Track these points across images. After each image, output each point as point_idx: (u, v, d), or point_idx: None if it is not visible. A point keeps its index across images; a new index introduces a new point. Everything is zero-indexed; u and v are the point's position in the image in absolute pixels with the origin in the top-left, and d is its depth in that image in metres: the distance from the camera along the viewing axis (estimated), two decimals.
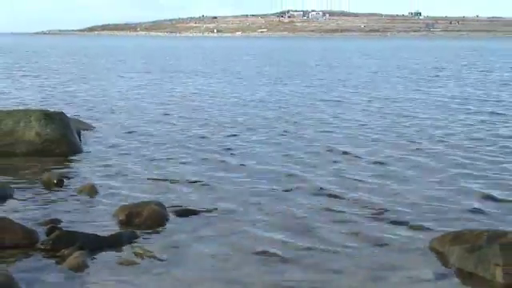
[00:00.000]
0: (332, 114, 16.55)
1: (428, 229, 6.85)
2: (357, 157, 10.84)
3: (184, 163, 10.26)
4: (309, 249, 6.27)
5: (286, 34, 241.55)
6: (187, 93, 22.59)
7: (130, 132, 13.39)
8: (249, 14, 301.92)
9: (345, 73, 34.27)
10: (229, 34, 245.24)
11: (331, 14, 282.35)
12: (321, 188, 8.62)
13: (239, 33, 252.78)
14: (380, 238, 6.60)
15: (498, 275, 5.39)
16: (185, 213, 7.38)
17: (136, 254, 6.04)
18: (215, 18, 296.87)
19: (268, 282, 5.47)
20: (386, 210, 7.60)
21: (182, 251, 6.19)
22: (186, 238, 6.54)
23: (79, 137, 11.54)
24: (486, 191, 8.46)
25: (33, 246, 6.12)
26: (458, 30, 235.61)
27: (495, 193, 8.40)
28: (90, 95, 21.14)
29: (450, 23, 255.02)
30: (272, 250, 6.20)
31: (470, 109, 17.83)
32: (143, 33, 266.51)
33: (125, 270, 5.68)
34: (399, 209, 7.66)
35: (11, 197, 7.95)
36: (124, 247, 6.21)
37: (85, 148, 11.23)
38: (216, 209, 7.59)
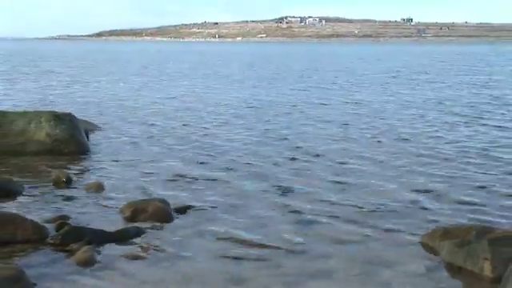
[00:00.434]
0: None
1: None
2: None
3: (186, 162, 10.24)
4: (303, 243, 6.26)
5: (285, 39, 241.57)
6: (188, 93, 22.61)
7: (134, 132, 13.37)
8: (249, 20, 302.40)
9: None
10: (230, 39, 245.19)
11: (327, 20, 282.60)
12: (315, 188, 8.60)
13: (239, 38, 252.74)
14: (373, 234, 6.59)
15: (487, 269, 5.39)
16: (187, 209, 7.37)
17: (141, 248, 6.04)
18: (216, 23, 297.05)
19: (266, 274, 5.46)
20: (378, 208, 7.59)
21: (184, 245, 6.18)
22: (188, 233, 6.53)
23: (87, 137, 11.53)
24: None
25: (43, 241, 6.11)
26: (447, 36, 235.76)
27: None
28: (97, 97, 21.11)
29: (441, 29, 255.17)
30: (269, 244, 6.19)
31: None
32: (148, 38, 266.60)
33: (131, 264, 5.68)
34: (391, 205, 7.66)
35: (22, 194, 7.94)
36: (130, 242, 6.20)
37: (92, 148, 11.22)
38: (217, 206, 7.58)
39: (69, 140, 10.77)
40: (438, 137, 13.03)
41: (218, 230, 6.68)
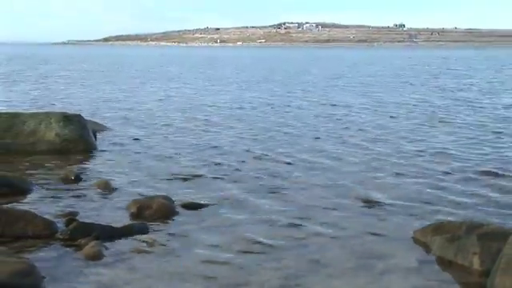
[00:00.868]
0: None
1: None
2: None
3: (189, 161, 10.23)
4: (302, 239, 6.25)
5: (283, 44, 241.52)
6: (190, 94, 22.60)
7: (140, 133, 13.36)
8: (249, 25, 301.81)
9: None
10: (231, 44, 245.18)
11: (323, 25, 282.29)
12: (312, 185, 8.59)
13: (240, 43, 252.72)
14: (368, 229, 6.58)
15: (476, 263, 5.39)
16: (191, 206, 7.35)
17: (146, 243, 6.03)
18: (218, 29, 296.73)
19: (266, 268, 5.45)
20: (373, 204, 7.59)
21: (188, 241, 6.17)
22: (192, 229, 6.52)
23: (95, 137, 11.52)
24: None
25: (52, 237, 6.11)
26: (438, 41, 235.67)
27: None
28: (105, 99, 21.10)
29: (431, 34, 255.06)
30: (270, 239, 6.18)
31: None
32: (153, 43, 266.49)
33: (136, 258, 5.67)
34: (387, 201, 7.66)
35: (33, 191, 7.94)
36: (135, 237, 6.19)
37: (100, 147, 11.22)
38: (219, 202, 7.57)
39: (77, 140, 10.77)
40: (419, 140, 13.03)
41: (220, 225, 6.68)
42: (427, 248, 5.96)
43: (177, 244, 6.05)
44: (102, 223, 6.37)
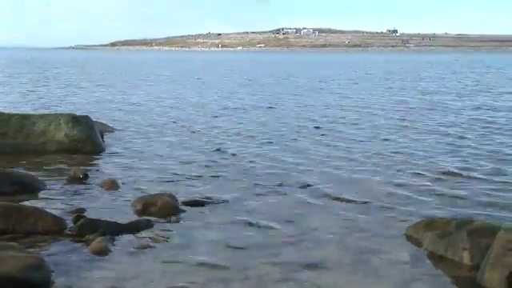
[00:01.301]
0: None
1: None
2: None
3: (192, 160, 10.22)
4: (301, 234, 6.24)
5: (281, 48, 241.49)
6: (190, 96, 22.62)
7: (146, 133, 13.36)
8: (249, 31, 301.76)
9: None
10: (231, 49, 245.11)
11: (320, 31, 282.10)
12: (308, 184, 8.55)
13: (240, 47, 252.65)
14: (363, 226, 6.58)
15: (466, 257, 5.38)
16: (194, 203, 7.34)
17: (151, 239, 6.02)
18: (219, 34, 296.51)
19: (266, 262, 5.44)
20: (366, 202, 7.58)
21: (191, 237, 6.16)
22: (195, 226, 6.51)
23: (102, 138, 11.52)
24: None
25: (61, 233, 6.10)
26: (429, 46, 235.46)
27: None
28: (112, 101, 21.09)
29: (423, 39, 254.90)
30: (270, 235, 6.19)
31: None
32: (157, 47, 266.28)
33: (141, 253, 5.66)
34: (380, 198, 7.64)
35: (43, 189, 7.93)
36: (141, 233, 6.18)
37: (107, 147, 11.21)
38: (221, 200, 7.56)
39: (85, 140, 10.77)
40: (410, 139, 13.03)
41: (222, 222, 6.67)
42: (419, 244, 5.94)
43: (180, 240, 6.04)
44: (109, 220, 6.36)
